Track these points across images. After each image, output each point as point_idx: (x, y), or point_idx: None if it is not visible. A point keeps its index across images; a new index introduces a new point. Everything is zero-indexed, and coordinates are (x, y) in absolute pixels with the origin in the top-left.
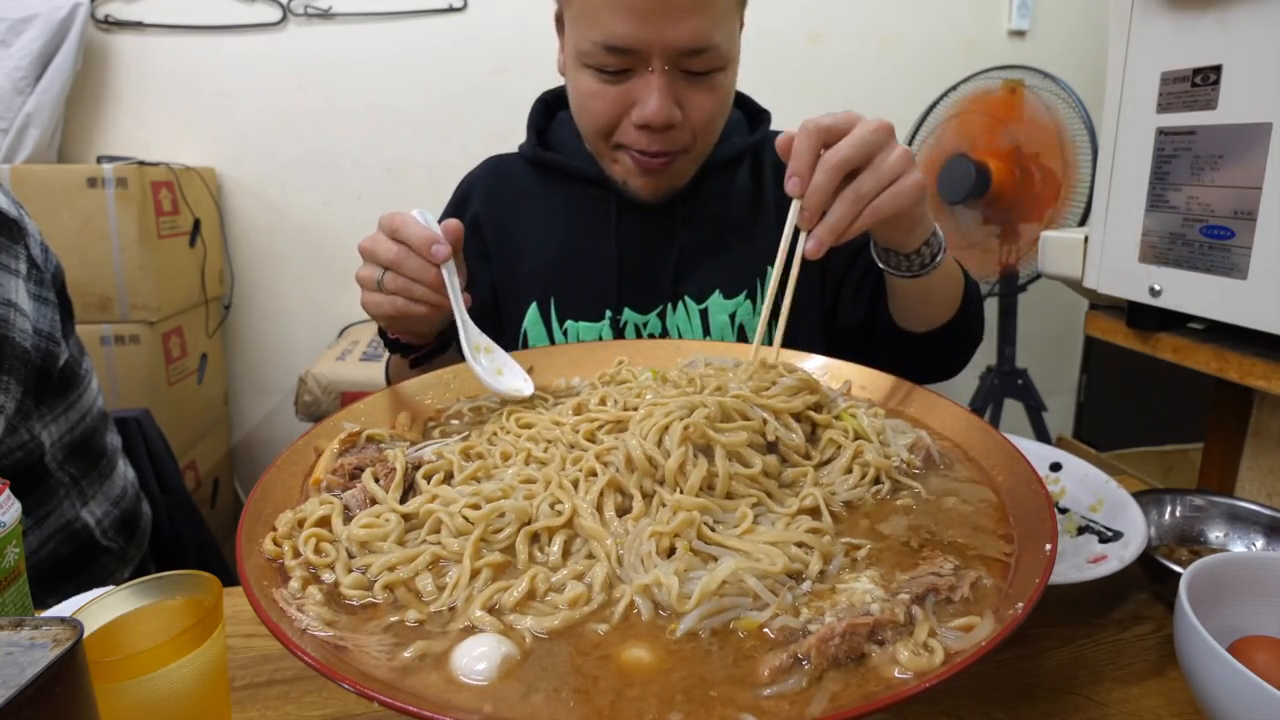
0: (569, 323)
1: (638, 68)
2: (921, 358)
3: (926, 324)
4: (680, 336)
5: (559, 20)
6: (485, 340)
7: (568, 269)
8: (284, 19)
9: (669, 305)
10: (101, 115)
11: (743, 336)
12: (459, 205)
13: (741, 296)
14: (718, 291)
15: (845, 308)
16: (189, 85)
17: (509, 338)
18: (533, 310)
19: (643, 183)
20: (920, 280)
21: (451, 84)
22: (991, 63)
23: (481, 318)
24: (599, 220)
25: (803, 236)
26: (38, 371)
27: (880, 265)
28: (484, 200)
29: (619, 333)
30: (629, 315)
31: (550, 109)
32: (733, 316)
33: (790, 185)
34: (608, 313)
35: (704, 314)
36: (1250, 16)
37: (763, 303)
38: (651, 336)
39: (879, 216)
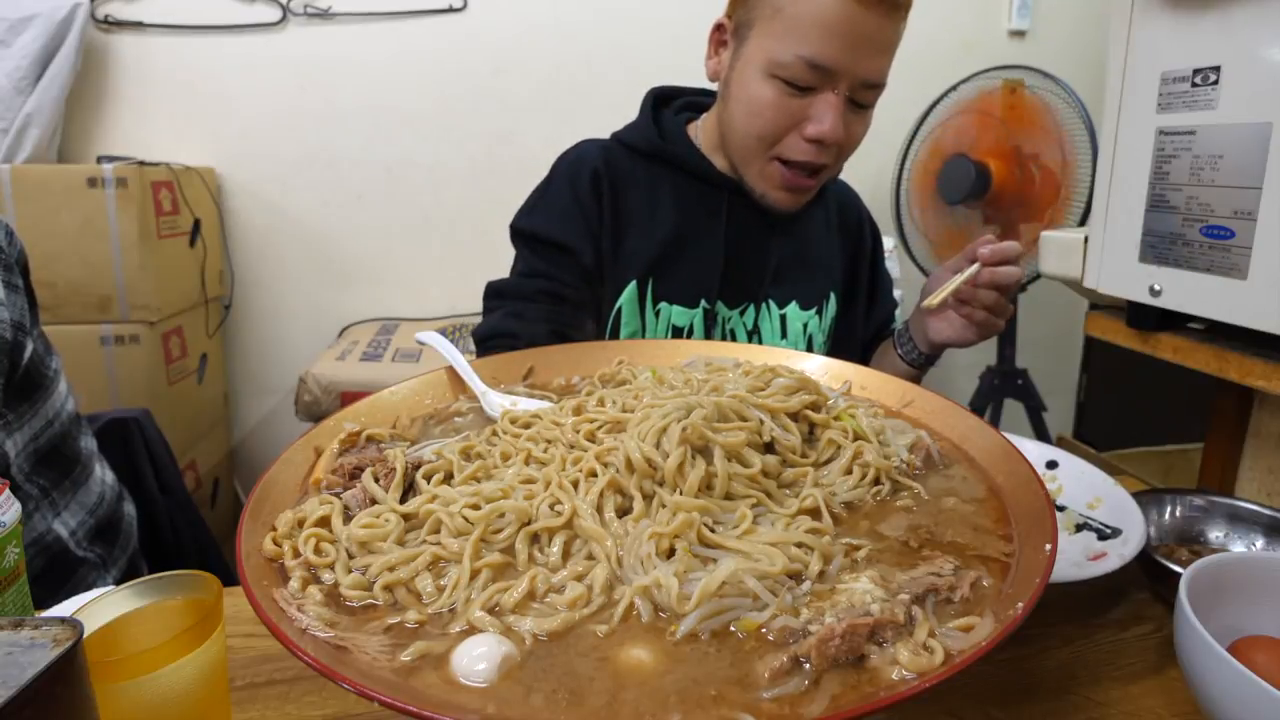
0: (663, 305)
1: (823, 88)
2: None
3: None
4: (761, 337)
5: (726, 28)
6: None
7: (674, 254)
8: (284, 19)
9: (753, 305)
10: (101, 115)
11: (810, 345)
12: (570, 184)
13: (813, 311)
14: (795, 302)
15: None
16: (189, 85)
17: (603, 315)
18: (631, 288)
19: (783, 196)
20: (917, 371)
21: (451, 84)
22: (991, 63)
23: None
24: (709, 215)
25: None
26: (10, 365)
27: (896, 348)
28: (605, 176)
29: (710, 322)
30: (721, 308)
31: (658, 105)
32: (805, 325)
33: (988, 251)
34: (703, 302)
35: (783, 319)
36: (1250, 16)
37: (824, 321)
38: (732, 333)
39: (979, 334)
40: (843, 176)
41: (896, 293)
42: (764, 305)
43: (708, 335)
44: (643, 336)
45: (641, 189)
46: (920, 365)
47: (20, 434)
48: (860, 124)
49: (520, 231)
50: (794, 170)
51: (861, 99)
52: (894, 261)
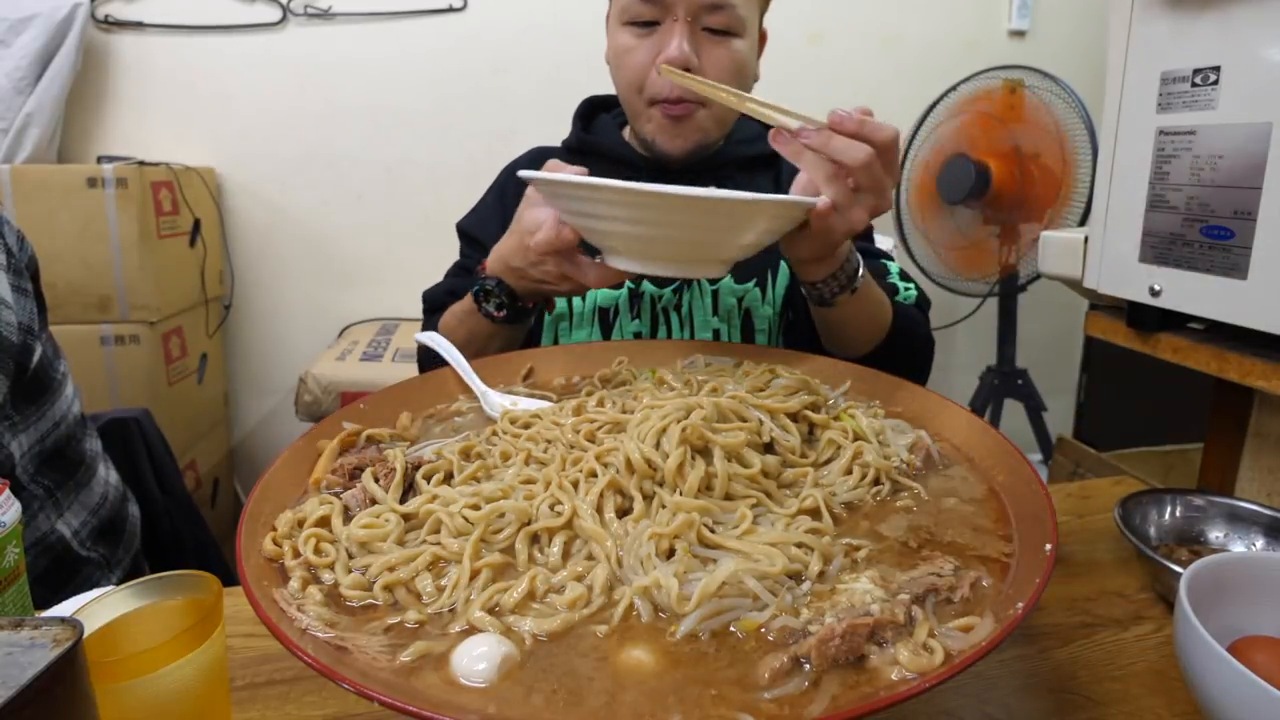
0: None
1: (664, 19)
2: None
3: (836, 350)
4: (693, 313)
5: None
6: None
7: None
8: (284, 19)
9: (684, 283)
10: (101, 115)
11: (748, 321)
12: (500, 191)
13: (751, 284)
14: (730, 276)
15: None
16: (189, 85)
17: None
18: None
19: (668, 138)
20: (827, 310)
21: (451, 84)
22: (991, 63)
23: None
24: None
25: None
26: (17, 368)
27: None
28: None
29: (637, 302)
30: (647, 286)
31: (593, 111)
32: (740, 300)
33: (837, 116)
34: (627, 282)
35: (715, 295)
36: (1250, 16)
37: (772, 293)
38: (664, 311)
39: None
40: None
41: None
42: (696, 283)
43: (635, 316)
44: (569, 318)
45: None
46: (815, 299)
47: (26, 435)
48: (719, 51)
49: (458, 231)
50: (664, 105)
51: (711, 24)
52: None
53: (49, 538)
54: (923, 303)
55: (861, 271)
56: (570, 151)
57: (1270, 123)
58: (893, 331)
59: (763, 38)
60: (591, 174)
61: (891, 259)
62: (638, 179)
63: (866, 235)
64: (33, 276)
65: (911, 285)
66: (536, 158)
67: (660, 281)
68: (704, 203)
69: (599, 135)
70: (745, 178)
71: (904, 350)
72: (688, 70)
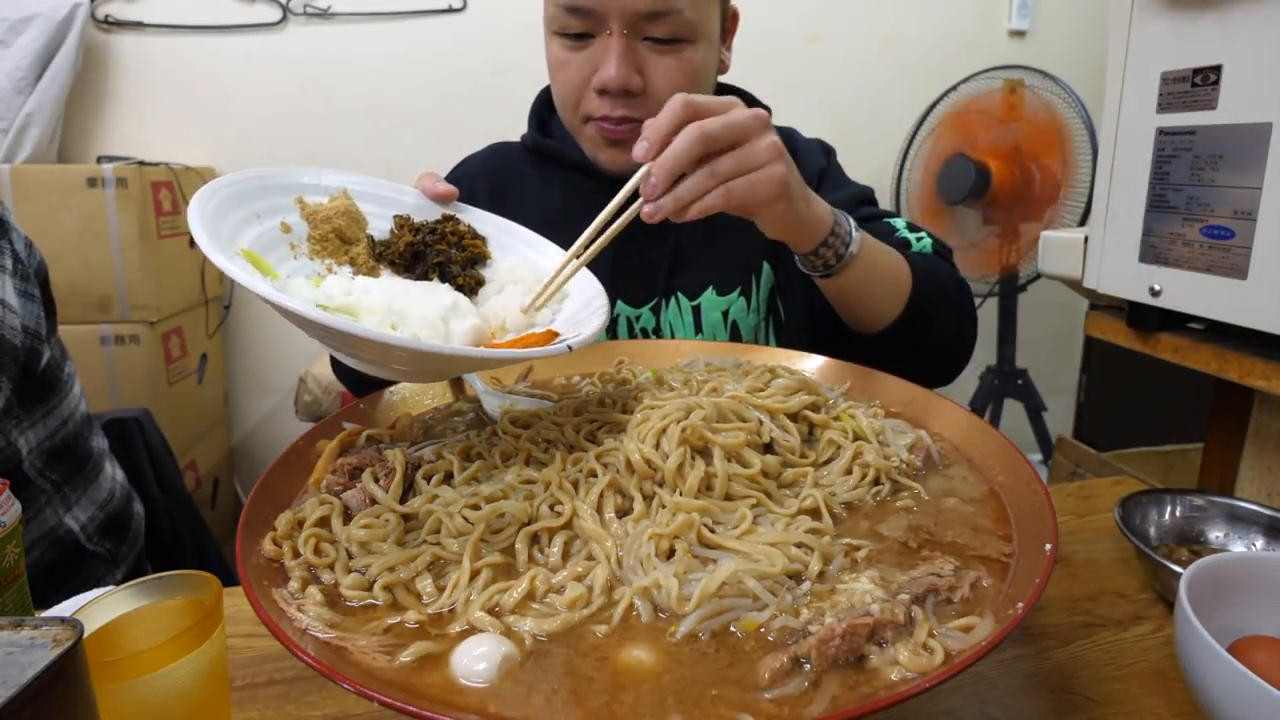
0: None
1: (598, 32)
2: (892, 362)
3: (869, 325)
4: (673, 332)
5: None
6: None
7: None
8: (284, 19)
9: (662, 300)
10: (101, 115)
11: (735, 333)
12: (454, 183)
13: (735, 293)
14: (711, 288)
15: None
16: (189, 85)
17: None
18: None
19: (609, 155)
20: (835, 280)
21: (451, 84)
22: (991, 63)
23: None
24: (593, 210)
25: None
26: (23, 371)
27: (800, 266)
28: (484, 180)
29: (610, 325)
30: (622, 308)
31: (551, 101)
32: (725, 314)
33: (639, 149)
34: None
35: (696, 310)
36: (1250, 16)
37: (757, 299)
38: (644, 331)
39: (732, 200)
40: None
41: None
42: (673, 299)
43: (612, 336)
44: None
45: (534, 189)
46: (818, 269)
47: (33, 432)
48: (667, 64)
49: None
50: (602, 124)
51: (654, 33)
52: None
53: (57, 531)
54: (940, 248)
55: (855, 232)
56: (528, 150)
57: (1270, 123)
58: (918, 283)
59: (733, 19)
60: (553, 181)
61: (896, 215)
62: (599, 189)
63: (868, 200)
64: (42, 282)
65: (924, 234)
66: (495, 153)
67: (634, 300)
68: (420, 353)
69: (557, 138)
70: None
71: (941, 301)
72: (627, 92)
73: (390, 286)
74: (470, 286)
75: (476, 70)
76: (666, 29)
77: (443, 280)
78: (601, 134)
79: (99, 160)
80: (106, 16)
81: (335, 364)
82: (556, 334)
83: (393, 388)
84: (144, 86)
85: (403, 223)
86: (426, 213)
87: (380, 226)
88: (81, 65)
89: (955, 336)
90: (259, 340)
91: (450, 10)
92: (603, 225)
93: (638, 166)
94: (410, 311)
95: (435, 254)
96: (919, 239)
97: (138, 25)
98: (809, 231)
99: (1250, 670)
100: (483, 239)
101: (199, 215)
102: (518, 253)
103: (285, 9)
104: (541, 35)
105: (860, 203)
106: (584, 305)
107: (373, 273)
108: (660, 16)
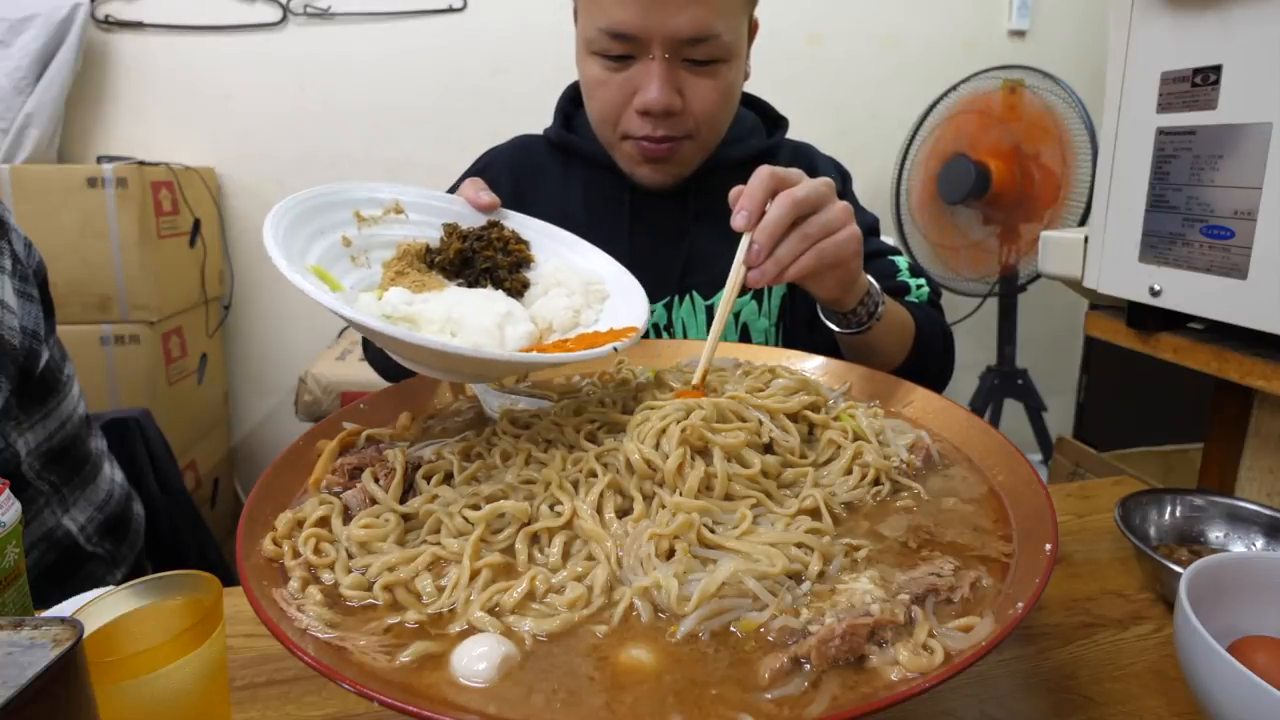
0: None
1: (640, 55)
2: None
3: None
4: (684, 330)
5: (576, 12)
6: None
7: None
8: (284, 19)
9: (676, 297)
10: (101, 115)
11: (745, 335)
12: (479, 173)
13: (747, 296)
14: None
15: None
16: (189, 85)
17: None
18: None
19: (647, 171)
20: (861, 337)
21: (451, 84)
22: (991, 63)
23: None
24: (614, 207)
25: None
26: (22, 372)
27: (827, 324)
28: (508, 170)
29: None
30: None
31: (578, 97)
32: (737, 316)
33: (738, 220)
34: None
35: (709, 310)
36: (1250, 16)
37: (769, 304)
38: (656, 327)
39: (823, 261)
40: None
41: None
42: (687, 297)
43: None
44: None
45: (557, 183)
46: (852, 325)
47: (32, 433)
48: (705, 85)
49: None
50: (650, 142)
51: (694, 56)
52: None
53: (55, 533)
54: (934, 295)
55: (879, 296)
56: (551, 145)
57: (1270, 123)
58: (918, 337)
59: (753, 29)
60: (574, 177)
61: (899, 253)
62: (622, 186)
63: (873, 230)
64: (41, 283)
65: (923, 281)
66: (518, 146)
67: (649, 295)
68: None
69: (581, 135)
70: (740, 179)
71: (932, 354)
72: (669, 114)
73: (448, 297)
74: (516, 290)
75: (476, 70)
76: (705, 52)
77: (492, 285)
78: (641, 152)
79: (99, 160)
80: (106, 16)
81: (367, 351)
82: (635, 329)
83: (392, 387)
84: (144, 86)
85: (451, 230)
86: (471, 220)
87: (430, 235)
88: (81, 65)
89: (935, 378)
90: (259, 340)
91: (450, 10)
92: (727, 306)
93: (678, 179)
94: (467, 319)
95: (483, 260)
96: (919, 286)
97: (137, 25)
98: (859, 288)
99: (1250, 670)
100: (526, 243)
101: (274, 240)
102: (560, 256)
103: (285, 9)
104: (542, 35)
105: (867, 234)
106: (626, 305)
107: (426, 280)
108: (700, 42)
